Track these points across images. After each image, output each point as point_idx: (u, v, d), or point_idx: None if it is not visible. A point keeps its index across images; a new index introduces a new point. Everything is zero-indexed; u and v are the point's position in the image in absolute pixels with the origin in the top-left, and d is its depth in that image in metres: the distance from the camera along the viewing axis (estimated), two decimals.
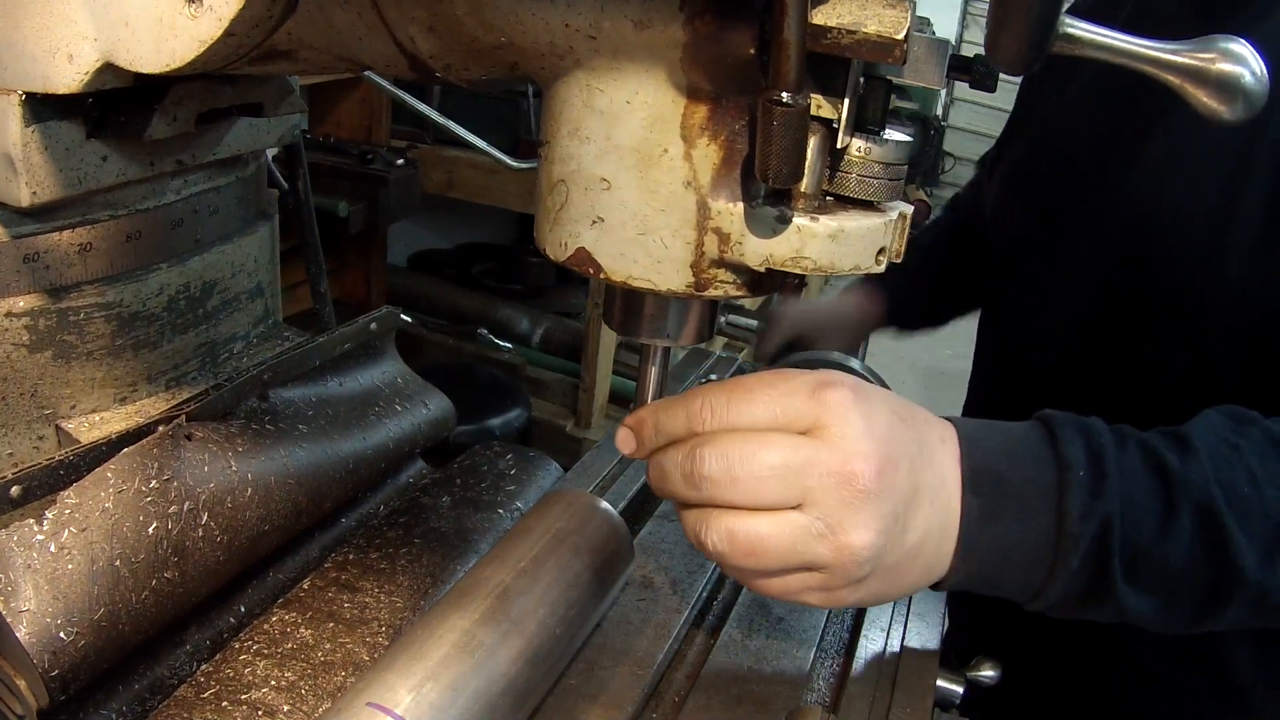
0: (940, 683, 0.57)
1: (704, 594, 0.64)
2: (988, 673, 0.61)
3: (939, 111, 7.04)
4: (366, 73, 0.54)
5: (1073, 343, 0.89)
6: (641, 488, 0.75)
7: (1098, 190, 0.86)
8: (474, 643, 0.46)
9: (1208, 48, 0.33)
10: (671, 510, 0.71)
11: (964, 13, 7.30)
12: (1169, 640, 0.85)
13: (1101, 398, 0.89)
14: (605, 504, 0.59)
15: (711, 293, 0.36)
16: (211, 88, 0.54)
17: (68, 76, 0.47)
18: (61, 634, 0.46)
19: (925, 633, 0.61)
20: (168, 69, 0.41)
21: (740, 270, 0.36)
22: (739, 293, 0.37)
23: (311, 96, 2.11)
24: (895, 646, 0.60)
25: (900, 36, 0.30)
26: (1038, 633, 1.02)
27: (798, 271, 0.35)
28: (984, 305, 1.10)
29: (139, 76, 0.45)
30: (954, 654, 0.63)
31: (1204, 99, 0.33)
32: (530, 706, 0.49)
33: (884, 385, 1.08)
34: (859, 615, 0.64)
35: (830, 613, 0.64)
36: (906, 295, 1.19)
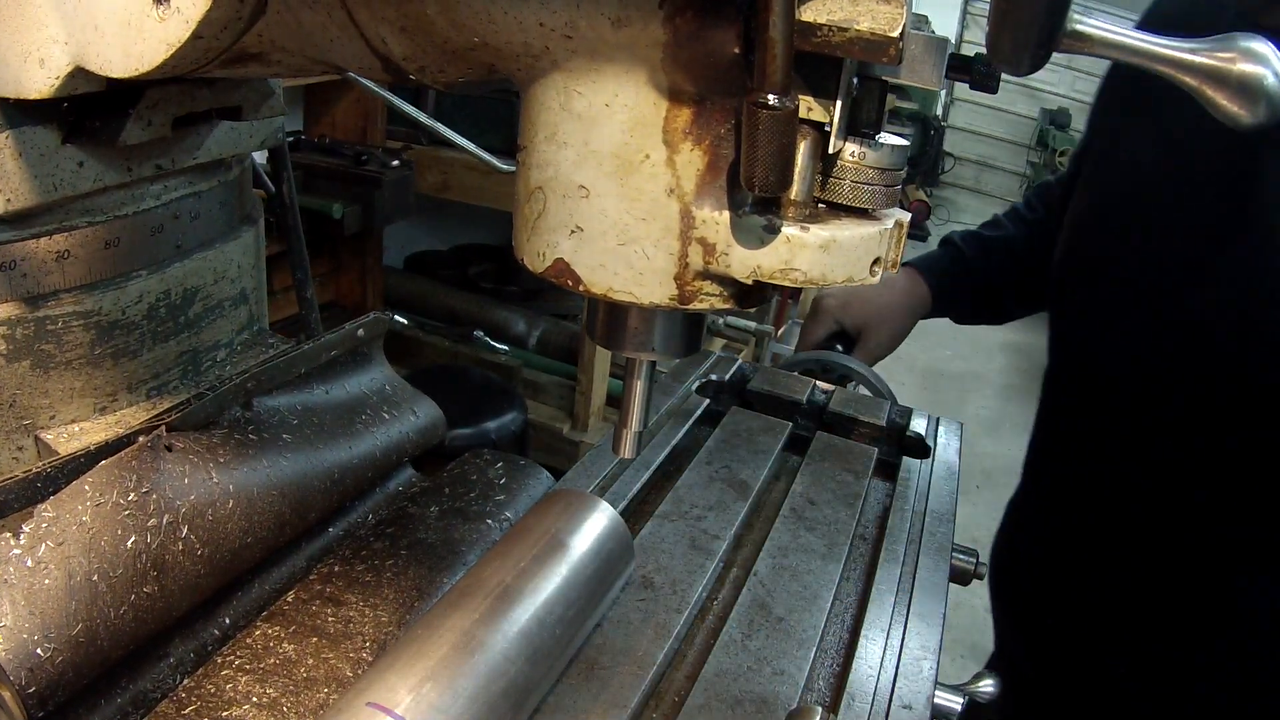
0: (939, 698, 0.56)
1: (704, 594, 0.63)
2: (986, 687, 0.60)
3: (939, 111, 7.02)
4: (354, 75, 0.53)
5: (1153, 404, 0.86)
6: (642, 488, 0.74)
7: (1195, 271, 0.82)
8: (474, 643, 0.46)
9: (1227, 47, 0.31)
10: (672, 510, 0.71)
11: (964, 12, 7.28)
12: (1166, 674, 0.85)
13: (1178, 455, 0.86)
14: (605, 504, 0.59)
15: (696, 306, 0.35)
16: (187, 91, 0.53)
17: (39, 81, 0.46)
18: (39, 650, 0.45)
19: (925, 633, 0.61)
20: (137, 73, 0.40)
21: (727, 282, 0.35)
22: (725, 305, 0.35)
23: (307, 97, 2.10)
24: (895, 646, 0.59)
25: (895, 34, 0.28)
26: (1038, 651, 1.01)
27: (787, 284, 0.33)
28: (1052, 348, 1.06)
29: (112, 81, 0.43)
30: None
31: (1223, 102, 0.31)
32: (530, 706, 0.49)
33: (882, 384, 1.08)
34: (859, 615, 0.63)
35: (830, 612, 0.63)
36: (965, 288, 1.16)
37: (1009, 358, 4.81)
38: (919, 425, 0.89)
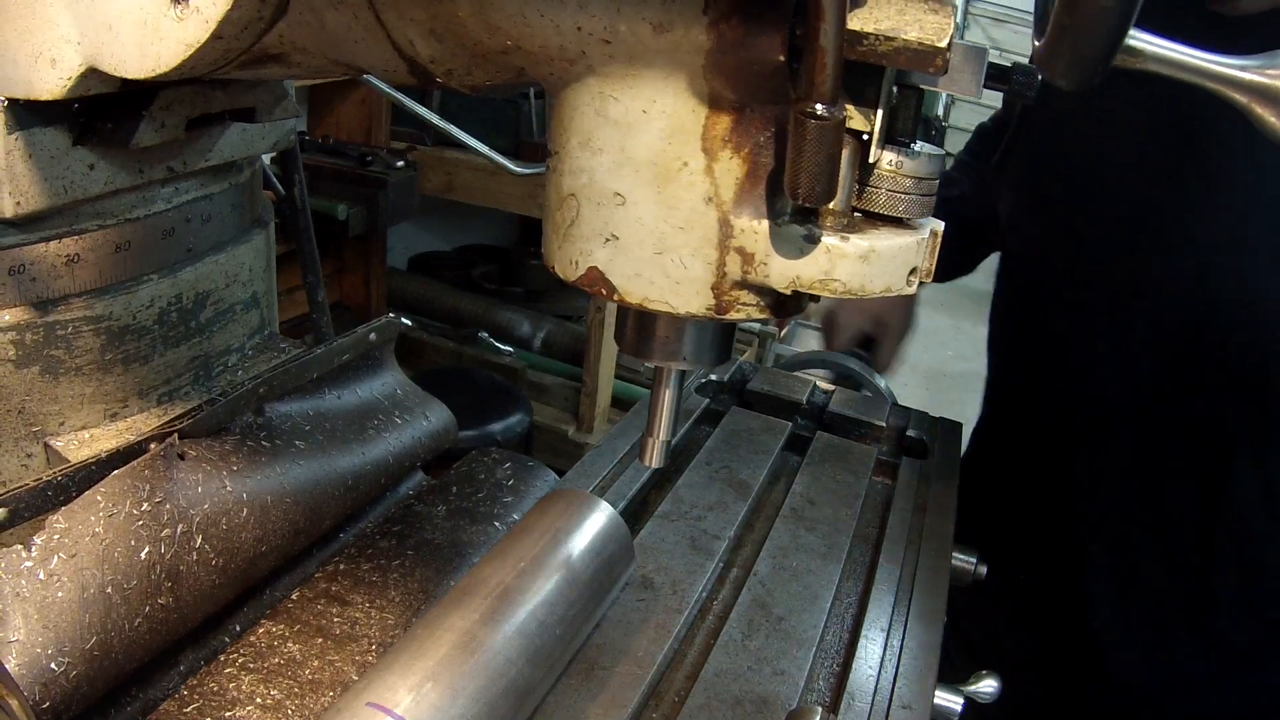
0: (938, 698, 0.56)
1: (704, 594, 0.64)
2: (986, 687, 0.60)
3: (939, 111, 7.02)
4: (369, 76, 0.52)
5: (1109, 376, 0.89)
6: (641, 487, 0.74)
7: (1146, 230, 0.85)
8: (474, 643, 0.46)
9: (1277, 64, 0.31)
10: (672, 510, 0.71)
11: (964, 13, 7.28)
12: (1159, 659, 0.87)
13: (1131, 423, 0.88)
14: (605, 504, 0.59)
15: (733, 315, 0.34)
16: (202, 93, 0.52)
17: (50, 82, 0.45)
18: (52, 665, 0.44)
19: (925, 633, 0.61)
20: (153, 74, 0.39)
21: (764, 292, 0.34)
22: (762, 315, 0.35)
23: (311, 97, 2.09)
24: (895, 646, 0.59)
25: (943, 45, 0.28)
26: (1034, 651, 1.02)
27: (826, 294, 0.32)
28: (997, 311, 1.08)
29: (125, 82, 0.42)
30: (954, 669, 0.62)
31: (1272, 119, 0.31)
32: (530, 706, 0.49)
33: (881, 383, 1.08)
34: (859, 615, 0.63)
35: (830, 612, 0.63)
36: (943, 254, 1.17)
37: None
38: (919, 426, 0.89)
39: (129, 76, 0.41)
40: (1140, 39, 0.30)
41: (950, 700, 0.57)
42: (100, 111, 0.50)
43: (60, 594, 0.45)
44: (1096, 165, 0.90)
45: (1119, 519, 0.92)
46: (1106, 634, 0.94)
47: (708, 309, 0.34)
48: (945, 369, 4.45)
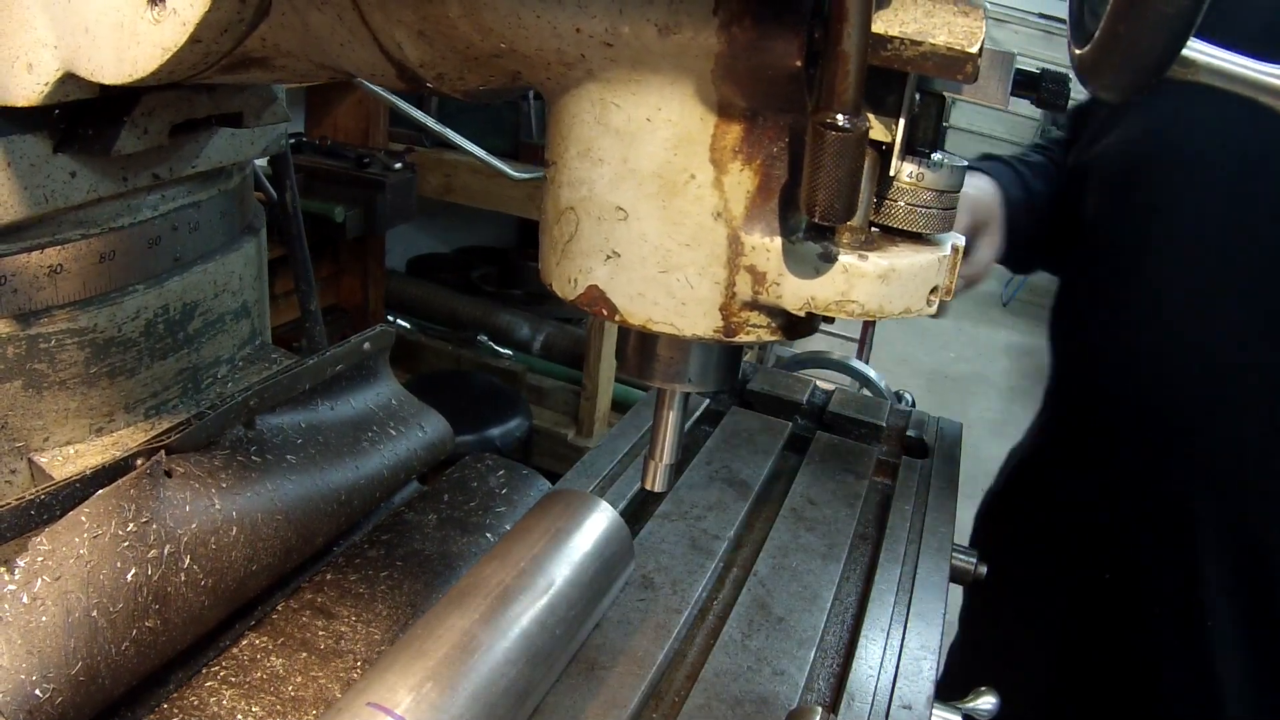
0: (936, 716, 0.54)
1: (704, 594, 0.63)
2: (985, 704, 0.59)
3: None
4: (361, 80, 0.50)
5: (1210, 362, 0.84)
6: (641, 488, 0.73)
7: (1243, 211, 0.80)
8: (474, 643, 0.45)
9: None
10: (672, 510, 0.71)
11: None
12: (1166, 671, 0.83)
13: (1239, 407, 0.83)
14: (605, 504, 0.58)
15: (742, 338, 0.32)
16: (185, 97, 0.51)
17: (27, 87, 0.43)
18: (37, 691, 0.43)
19: (925, 632, 0.60)
20: (130, 79, 0.37)
21: (776, 313, 0.32)
22: (773, 338, 0.33)
23: (308, 99, 2.07)
24: (895, 646, 0.59)
25: (974, 50, 0.25)
26: (1036, 665, 0.99)
27: (842, 316, 0.30)
28: (1078, 304, 1.02)
29: (104, 87, 0.41)
30: (954, 686, 0.61)
31: None
32: (530, 706, 0.48)
33: (883, 385, 1.06)
34: (859, 615, 0.63)
35: (830, 612, 0.63)
36: (1020, 225, 1.04)
37: (1013, 360, 4.78)
38: (919, 425, 0.88)
39: (106, 82, 0.39)
40: (1193, 48, 0.28)
41: (948, 718, 0.56)
42: (81, 117, 0.48)
43: (44, 618, 0.44)
44: (1189, 148, 0.85)
45: (1242, 514, 0.85)
46: (1228, 660, 0.86)
47: (715, 331, 0.32)
48: (946, 370, 4.43)
